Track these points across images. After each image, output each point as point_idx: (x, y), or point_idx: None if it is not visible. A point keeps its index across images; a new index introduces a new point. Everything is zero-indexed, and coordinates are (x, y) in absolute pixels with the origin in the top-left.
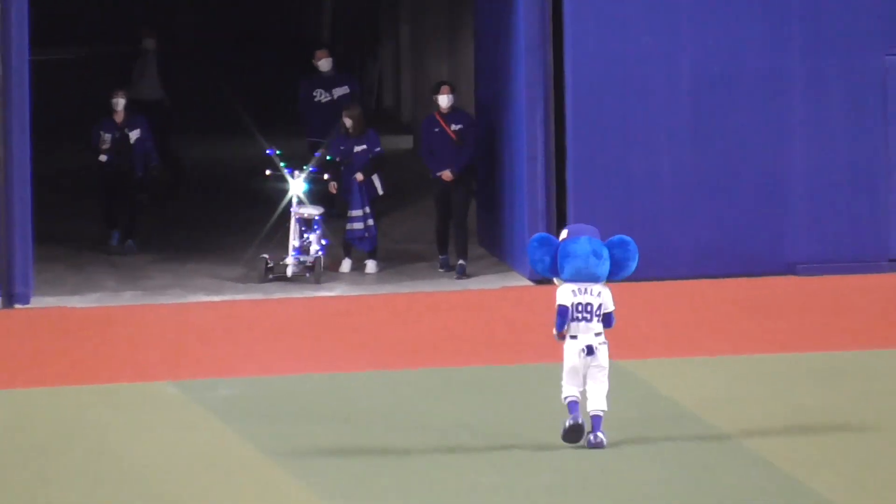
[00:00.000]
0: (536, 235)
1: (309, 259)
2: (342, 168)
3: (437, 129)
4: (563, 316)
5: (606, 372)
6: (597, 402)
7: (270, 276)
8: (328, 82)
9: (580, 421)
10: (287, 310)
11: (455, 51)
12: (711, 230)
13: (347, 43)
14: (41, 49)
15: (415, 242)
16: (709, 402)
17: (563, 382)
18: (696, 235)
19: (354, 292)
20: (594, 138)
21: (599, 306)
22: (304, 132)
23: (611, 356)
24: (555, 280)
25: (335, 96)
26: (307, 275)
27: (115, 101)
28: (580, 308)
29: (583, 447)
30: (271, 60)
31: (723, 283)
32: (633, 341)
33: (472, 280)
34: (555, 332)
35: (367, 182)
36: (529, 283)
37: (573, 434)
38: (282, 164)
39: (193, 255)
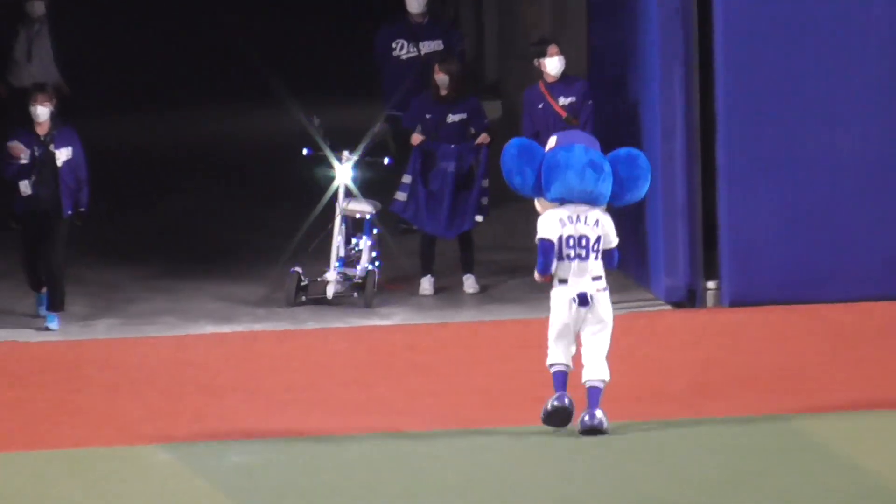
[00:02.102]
0: (515, 140)
1: (358, 274)
2: (421, 145)
3: (541, 106)
4: (547, 254)
5: (608, 329)
6: (594, 370)
7: (303, 298)
8: (416, 32)
9: (566, 402)
10: (326, 345)
11: None
12: None
13: None
14: None
15: (508, 251)
16: None
17: (550, 343)
18: (893, 240)
19: (420, 319)
20: (754, 106)
21: (598, 240)
22: (382, 99)
23: (776, 407)
24: (537, 204)
25: (422, 52)
26: (354, 295)
27: (33, 109)
28: (571, 242)
29: (573, 433)
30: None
31: None
32: (805, 387)
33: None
34: (537, 273)
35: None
36: (665, 305)
37: (557, 417)
38: (325, 141)
39: (195, 269)
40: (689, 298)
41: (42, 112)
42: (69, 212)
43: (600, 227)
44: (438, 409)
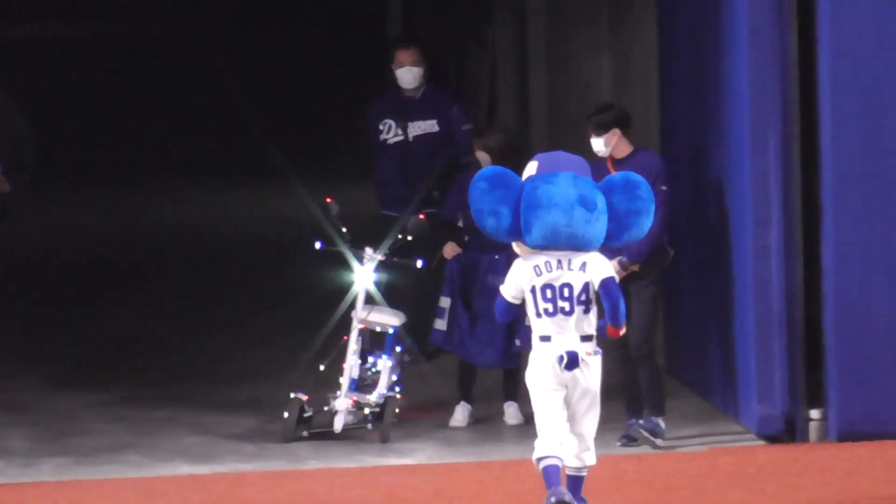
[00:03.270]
0: (486, 171)
1: (374, 401)
2: (466, 238)
3: None
4: (505, 314)
5: (597, 402)
6: (579, 454)
7: (305, 433)
8: (406, 109)
9: (567, 499)
10: (331, 490)
11: (623, 36)
12: None
13: (432, 23)
14: None
15: None
16: None
17: (538, 422)
18: None
19: (450, 458)
20: (873, 187)
21: (585, 288)
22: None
23: None
24: (516, 247)
25: (410, 136)
26: (369, 427)
27: None
28: (549, 294)
29: None
30: (314, 56)
31: None
32: None
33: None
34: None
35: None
36: (757, 439)
37: None
38: (342, 235)
39: (167, 393)
40: (788, 431)
41: None
42: None
43: (588, 271)
44: None
